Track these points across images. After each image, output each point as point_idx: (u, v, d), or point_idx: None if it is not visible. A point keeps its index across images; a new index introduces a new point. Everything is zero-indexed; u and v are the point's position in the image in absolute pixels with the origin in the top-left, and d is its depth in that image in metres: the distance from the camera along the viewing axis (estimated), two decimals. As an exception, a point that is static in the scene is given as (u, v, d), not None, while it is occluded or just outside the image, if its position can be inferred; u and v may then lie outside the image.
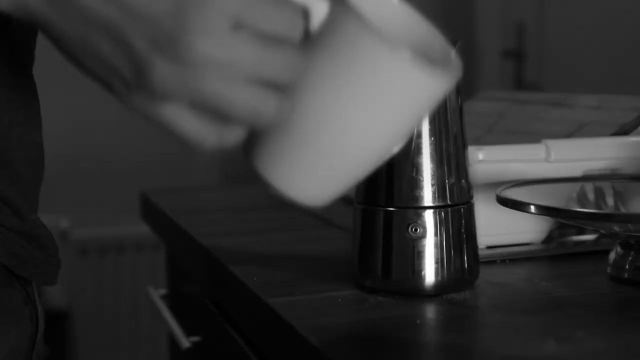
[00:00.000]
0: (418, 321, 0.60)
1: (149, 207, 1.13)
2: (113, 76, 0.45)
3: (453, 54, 0.51)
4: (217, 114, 0.45)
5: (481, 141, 0.64)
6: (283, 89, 0.45)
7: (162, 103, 0.44)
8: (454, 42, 0.53)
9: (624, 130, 0.84)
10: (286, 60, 0.44)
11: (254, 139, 0.49)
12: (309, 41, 0.47)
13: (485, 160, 0.74)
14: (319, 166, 0.49)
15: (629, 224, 0.66)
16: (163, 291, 1.12)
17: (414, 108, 0.49)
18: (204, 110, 0.45)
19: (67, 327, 2.13)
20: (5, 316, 0.64)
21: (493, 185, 0.73)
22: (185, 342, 0.90)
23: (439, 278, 0.63)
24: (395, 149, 0.52)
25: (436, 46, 0.52)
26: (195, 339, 0.91)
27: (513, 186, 0.72)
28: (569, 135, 0.89)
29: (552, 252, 0.77)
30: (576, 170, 0.78)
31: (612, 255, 0.69)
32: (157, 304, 1.06)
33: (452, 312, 0.61)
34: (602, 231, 0.70)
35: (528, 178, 0.75)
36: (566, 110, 0.95)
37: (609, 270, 0.69)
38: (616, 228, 0.66)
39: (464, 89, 0.63)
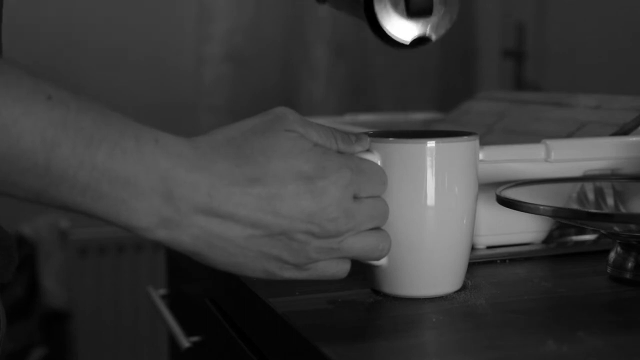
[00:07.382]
0: (418, 321, 0.60)
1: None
2: (268, 263, 0.55)
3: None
4: (348, 257, 0.58)
5: (481, 141, 0.64)
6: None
7: (310, 266, 0.56)
8: None
9: (624, 130, 0.84)
10: (383, 209, 0.58)
11: (372, 270, 0.63)
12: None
13: (485, 160, 0.74)
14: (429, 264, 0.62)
15: (629, 224, 0.66)
16: (163, 291, 1.12)
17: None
18: (339, 257, 0.57)
19: (67, 327, 2.13)
20: None
21: (493, 185, 0.73)
22: (185, 342, 0.90)
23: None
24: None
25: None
26: (195, 339, 0.91)
27: (513, 186, 0.72)
28: (569, 135, 0.89)
29: (552, 252, 0.77)
30: (576, 170, 0.78)
31: (612, 255, 0.69)
32: (157, 304, 1.06)
33: (452, 312, 0.61)
34: (602, 231, 0.70)
35: (528, 178, 0.75)
36: (566, 110, 0.95)
37: (609, 270, 0.69)
38: (616, 228, 0.66)
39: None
